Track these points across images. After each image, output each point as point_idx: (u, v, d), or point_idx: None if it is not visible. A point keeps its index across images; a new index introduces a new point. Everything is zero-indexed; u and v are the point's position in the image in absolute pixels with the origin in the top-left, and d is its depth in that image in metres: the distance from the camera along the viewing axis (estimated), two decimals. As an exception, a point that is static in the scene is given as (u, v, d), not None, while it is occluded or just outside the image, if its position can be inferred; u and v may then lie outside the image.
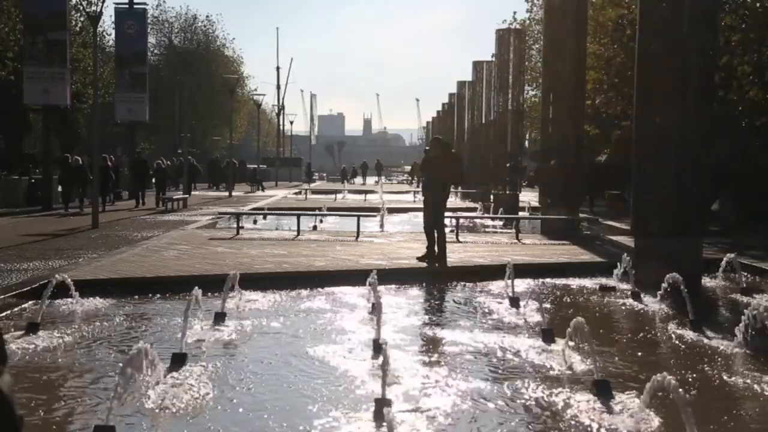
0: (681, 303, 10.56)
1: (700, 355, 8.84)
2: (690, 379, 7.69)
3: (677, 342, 9.53)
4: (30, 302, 10.84)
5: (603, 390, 7.00)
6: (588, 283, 13.90)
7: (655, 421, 6.29)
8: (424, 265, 14.97)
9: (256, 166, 59.78)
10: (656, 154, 13.41)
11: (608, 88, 32.54)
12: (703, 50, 13.37)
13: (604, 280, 13.85)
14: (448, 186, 16.21)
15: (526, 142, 53.32)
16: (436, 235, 15.38)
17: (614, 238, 19.57)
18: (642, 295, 12.13)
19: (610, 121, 34.18)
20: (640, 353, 8.99)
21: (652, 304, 11.73)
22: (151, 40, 66.27)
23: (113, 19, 40.60)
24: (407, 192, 47.52)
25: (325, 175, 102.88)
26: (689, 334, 9.75)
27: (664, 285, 11.37)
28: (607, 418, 6.46)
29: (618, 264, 13.66)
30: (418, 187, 55.23)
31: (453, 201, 36.30)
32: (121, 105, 38.63)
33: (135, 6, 38.95)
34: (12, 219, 24.49)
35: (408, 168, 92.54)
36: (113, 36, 42.44)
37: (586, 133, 30.77)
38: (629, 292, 12.43)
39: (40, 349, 8.59)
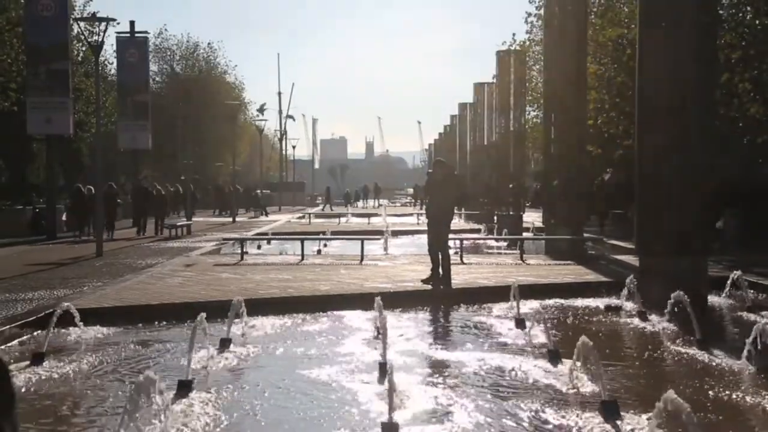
0: (687, 322, 10.52)
1: (707, 373, 8.80)
2: (698, 399, 7.65)
3: (684, 361, 9.49)
4: (35, 332, 10.82)
5: (611, 411, 6.96)
6: (593, 303, 13.86)
7: (664, 442, 6.25)
8: (429, 287, 14.94)
9: (259, 191, 59.85)
10: (658, 174, 13.40)
11: (609, 108, 32.59)
12: (703, 68, 13.40)
13: (609, 300, 13.80)
14: (451, 208, 16.23)
15: (530, 163, 53.36)
16: (440, 257, 15.37)
17: (619, 257, 19.55)
18: (648, 315, 12.09)
19: (612, 140, 34.19)
20: (647, 373, 8.96)
21: (658, 323, 11.70)
22: (153, 67, 66.39)
23: (115, 48, 40.79)
24: (411, 214, 47.49)
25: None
26: (696, 353, 9.71)
27: (670, 304, 11.34)
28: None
29: (624, 284, 13.61)
30: (421, 209, 55.12)
31: (457, 222, 36.30)
32: (123, 133, 38.80)
33: (136, 35, 39.17)
34: (16, 248, 24.51)
35: (411, 190, 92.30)
36: (115, 65, 42.63)
37: (589, 153, 30.79)
38: (635, 312, 12.39)
39: (45, 380, 8.57)
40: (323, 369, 8.98)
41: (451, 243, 17.28)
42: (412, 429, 6.72)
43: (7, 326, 10.92)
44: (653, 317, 11.99)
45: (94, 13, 36.64)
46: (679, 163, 13.17)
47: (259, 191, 59.42)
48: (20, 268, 18.87)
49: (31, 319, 11.44)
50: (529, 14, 40.75)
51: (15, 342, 10.46)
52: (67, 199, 34.46)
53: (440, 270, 15.30)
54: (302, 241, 21.78)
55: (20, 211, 33.47)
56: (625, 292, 13.34)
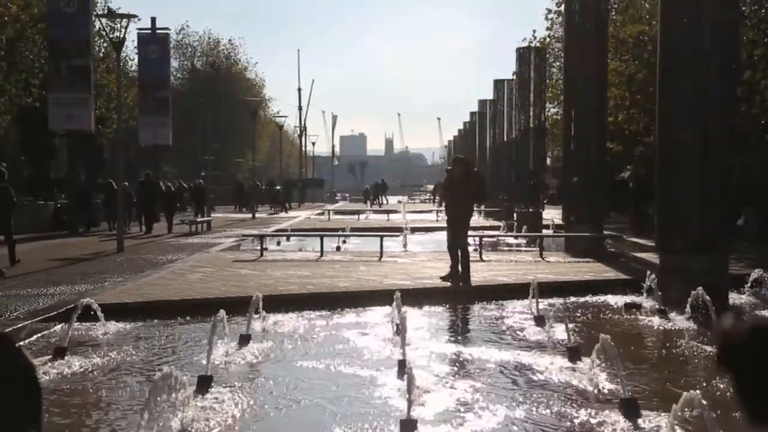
0: (708, 320, 10.48)
1: (728, 372, 8.75)
2: (719, 397, 7.62)
3: (705, 359, 9.45)
4: (57, 326, 10.91)
5: (631, 408, 6.95)
6: (613, 300, 13.82)
7: (684, 440, 6.23)
8: (448, 284, 14.94)
9: (279, 187, 59.99)
10: (680, 171, 13.34)
11: (630, 105, 32.45)
12: (724, 65, 13.33)
13: (629, 298, 13.75)
14: (470, 205, 16.22)
15: (549, 160, 53.20)
16: (459, 254, 15.37)
17: (639, 254, 19.46)
18: (668, 312, 12.05)
19: (632, 137, 34.06)
20: (667, 371, 8.93)
21: (678, 321, 11.65)
22: (174, 64, 66.73)
23: (136, 44, 40.93)
24: (430, 211, 47.43)
25: (347, 195, 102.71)
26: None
27: (691, 302, 11.29)
28: (635, 437, 6.42)
29: (644, 282, 13.56)
30: (440, 206, 54.85)
31: (476, 219, 36.26)
32: (144, 129, 38.92)
33: (157, 31, 39.28)
34: (38, 243, 24.67)
35: (431, 187, 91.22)
36: (136, 61, 42.76)
37: (609, 150, 30.66)
38: (655, 310, 12.35)
39: (67, 374, 8.65)
40: (342, 365, 9.01)
41: (470, 240, 17.28)
42: (430, 426, 6.73)
43: (30, 321, 11.02)
44: (673, 315, 11.94)
45: (115, 9, 36.87)
46: (700, 160, 13.10)
47: (279, 187, 59.52)
48: (42, 263, 19.00)
49: (53, 313, 11.54)
50: (550, 11, 40.63)
51: (36, 336, 10.54)
52: (101, 195, 34.63)
53: (459, 267, 15.31)
54: (321, 237, 21.82)
55: (43, 206, 33.69)
56: (645, 289, 13.29)
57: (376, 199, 68.49)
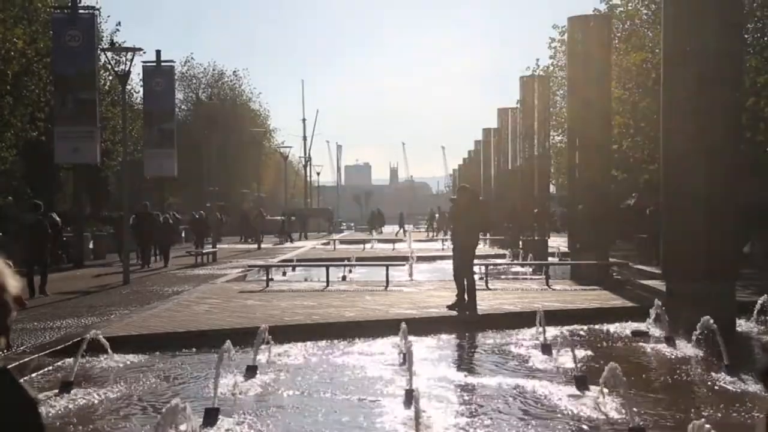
0: (715, 347, 10.45)
1: (736, 400, 8.72)
2: (727, 425, 7.59)
3: (713, 387, 9.42)
4: (63, 360, 10.90)
5: (639, 437, 6.92)
6: (620, 328, 13.78)
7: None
8: (455, 313, 14.92)
9: (284, 217, 60.01)
10: (685, 198, 13.35)
11: (635, 132, 32.50)
12: (728, 92, 13.38)
13: (636, 326, 13.70)
14: (476, 233, 16.22)
15: (553, 188, 53.22)
16: (466, 282, 15.37)
17: (645, 282, 19.42)
18: (675, 340, 12.01)
19: (637, 165, 34.09)
20: (675, 399, 8.89)
21: (685, 349, 11.61)
22: (179, 95, 67.08)
23: (141, 77, 41.19)
24: (435, 239, 47.38)
25: (352, 225, 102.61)
26: (725, 379, 9.63)
27: (698, 329, 11.25)
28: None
29: (650, 309, 13.50)
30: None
31: (482, 248, 36.23)
32: (150, 161, 39.06)
33: (162, 64, 39.54)
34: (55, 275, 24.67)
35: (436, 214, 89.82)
36: (141, 93, 42.99)
37: (614, 177, 30.69)
38: (662, 338, 12.30)
39: (73, 408, 8.63)
40: (349, 395, 8.99)
41: (476, 269, 17.27)
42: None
43: (36, 354, 11.01)
44: (680, 343, 11.90)
45: (120, 42, 37.11)
46: (705, 187, 13.11)
47: (283, 217, 59.55)
48: (48, 296, 18.99)
49: (59, 347, 11.52)
50: (553, 39, 40.80)
51: (43, 370, 10.53)
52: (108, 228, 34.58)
53: (465, 296, 15.29)
54: (327, 267, 21.81)
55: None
56: (651, 317, 13.25)
57: (372, 230, 67.61)
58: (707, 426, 5.36)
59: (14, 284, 2.50)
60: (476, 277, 16.56)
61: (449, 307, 15.23)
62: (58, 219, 22.06)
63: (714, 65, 13.18)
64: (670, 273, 13.98)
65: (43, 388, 9.43)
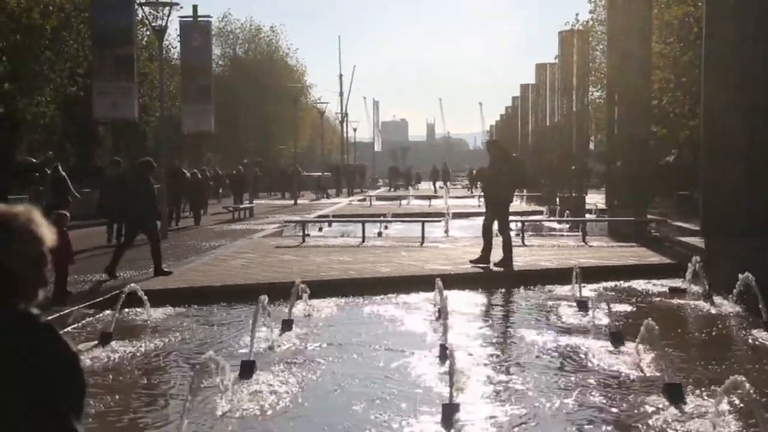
0: (754, 304, 10.34)
1: (775, 357, 8.65)
2: (765, 382, 7.52)
3: (751, 344, 9.34)
4: (103, 312, 11.05)
5: (675, 393, 6.89)
6: (657, 285, 13.67)
7: (730, 426, 6.16)
8: (481, 269, 14.84)
9: (320, 173, 60.13)
10: (725, 155, 13.18)
11: (675, 87, 32.01)
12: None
13: (673, 282, 13.58)
14: (508, 189, 16.03)
15: (592, 144, 52.74)
16: (501, 238, 15.30)
17: (684, 239, 19.24)
18: (714, 297, 11.90)
19: (677, 120, 33.60)
20: (712, 356, 8.82)
21: (724, 306, 11.50)
22: (216, 51, 66.95)
23: (178, 32, 41.18)
24: (472, 196, 47.22)
25: (388, 181, 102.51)
26: (763, 336, 9.54)
27: (737, 286, 11.14)
28: (679, 422, 6.36)
29: (688, 266, 13.36)
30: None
31: (518, 204, 36.13)
32: (187, 117, 39.12)
33: (199, 18, 39.46)
34: (84, 231, 24.97)
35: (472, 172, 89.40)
36: (178, 49, 43.00)
37: (653, 133, 30.31)
38: (700, 294, 12.21)
39: (113, 359, 8.76)
40: (384, 350, 9.03)
41: (512, 225, 17.19)
42: (472, 409, 6.72)
43: (76, 307, 11.16)
44: (719, 300, 11.79)
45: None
46: (746, 143, 12.92)
47: (320, 174, 59.69)
48: (88, 250, 19.22)
49: (98, 300, 11.67)
50: (593, -7, 40.22)
51: (83, 322, 10.68)
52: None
53: (502, 251, 15.23)
54: (363, 223, 21.84)
55: (88, 194, 34.04)
56: (689, 274, 13.13)
57: (392, 188, 68.00)
58: (744, 382, 5.31)
59: (50, 236, 2.51)
60: (513, 233, 16.49)
61: (473, 262, 15.17)
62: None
63: (757, 20, 12.92)
64: (709, 230, 13.84)
65: (82, 341, 9.57)
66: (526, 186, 35.44)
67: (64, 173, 22.28)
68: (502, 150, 16.29)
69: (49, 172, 23.09)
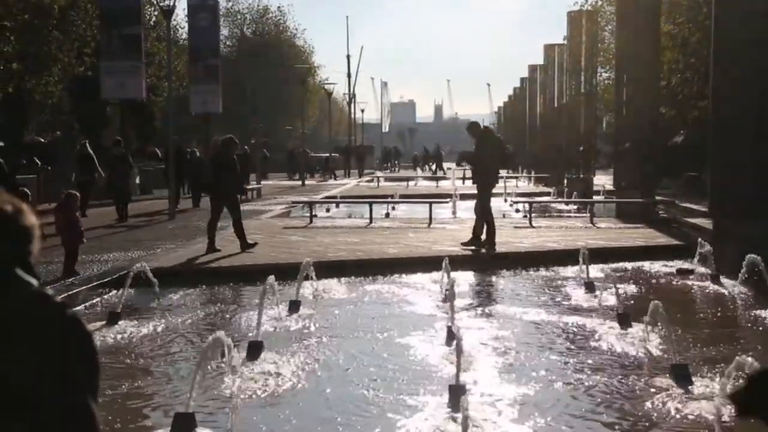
0: (762, 286, 10.33)
1: (782, 338, 8.64)
2: (772, 364, 7.52)
3: (758, 325, 9.33)
4: (111, 292, 11.07)
5: (682, 374, 6.89)
6: (665, 266, 13.66)
7: (736, 406, 6.15)
8: (470, 250, 14.75)
9: (328, 154, 60.08)
10: (733, 136, 13.12)
11: (684, 68, 31.85)
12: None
13: (681, 264, 13.57)
14: (491, 170, 15.78)
15: (603, 125, 52.56)
16: (475, 215, 15.24)
17: (691, 220, 19.19)
18: (721, 278, 11.89)
19: (686, 101, 33.43)
20: (719, 337, 8.82)
21: (731, 287, 11.48)
22: (224, 31, 66.84)
23: (186, 12, 41.09)
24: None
25: (396, 162, 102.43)
26: (771, 318, 9.53)
27: (744, 267, 11.12)
28: (686, 403, 6.37)
29: (696, 247, 13.34)
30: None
31: (526, 186, 36.05)
32: (195, 97, 39.11)
33: (207, -1, 39.37)
34: (92, 211, 25.01)
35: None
36: (186, 29, 42.94)
37: (662, 114, 30.18)
38: (708, 276, 12.19)
39: (120, 339, 8.79)
40: (391, 331, 9.04)
41: (520, 206, 17.14)
42: (479, 390, 6.74)
43: (84, 287, 11.20)
44: (726, 281, 11.78)
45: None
46: (753, 125, 12.87)
47: (327, 155, 59.66)
48: (95, 229, 19.26)
49: (106, 279, 11.70)
50: (602, -27, 39.97)
51: (91, 302, 10.71)
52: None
53: (472, 230, 15.20)
54: (370, 204, 21.84)
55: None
56: (697, 255, 13.11)
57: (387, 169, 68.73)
58: (752, 362, 5.31)
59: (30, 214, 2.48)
60: (519, 214, 16.44)
61: (464, 244, 15.09)
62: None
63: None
64: (717, 211, 13.81)
65: (90, 320, 9.60)
66: (507, 167, 35.45)
67: (90, 150, 22.59)
68: (483, 131, 15.95)
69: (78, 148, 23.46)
